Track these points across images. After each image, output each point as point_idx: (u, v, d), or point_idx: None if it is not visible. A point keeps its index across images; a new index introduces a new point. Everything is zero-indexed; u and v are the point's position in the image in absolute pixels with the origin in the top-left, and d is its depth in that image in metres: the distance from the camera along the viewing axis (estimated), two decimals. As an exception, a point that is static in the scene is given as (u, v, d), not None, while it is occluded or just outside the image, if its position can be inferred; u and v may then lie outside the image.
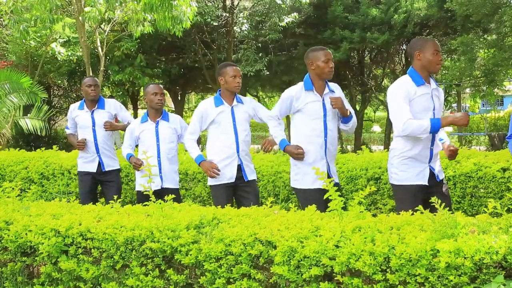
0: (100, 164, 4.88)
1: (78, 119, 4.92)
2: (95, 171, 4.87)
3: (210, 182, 4.11)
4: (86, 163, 4.91)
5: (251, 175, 4.14)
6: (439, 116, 3.44)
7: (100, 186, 5.04)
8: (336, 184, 3.70)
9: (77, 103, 5.03)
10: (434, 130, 3.32)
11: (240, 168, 4.08)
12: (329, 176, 3.74)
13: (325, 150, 3.77)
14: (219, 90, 4.17)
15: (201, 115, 4.12)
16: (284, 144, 3.82)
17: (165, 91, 4.32)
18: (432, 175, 3.45)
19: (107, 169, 4.87)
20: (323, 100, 3.74)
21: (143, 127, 4.51)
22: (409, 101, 3.37)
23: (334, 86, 3.89)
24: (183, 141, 4.33)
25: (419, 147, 3.40)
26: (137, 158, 4.48)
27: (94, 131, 4.85)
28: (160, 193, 4.09)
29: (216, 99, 4.12)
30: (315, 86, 3.75)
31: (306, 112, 3.74)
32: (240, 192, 4.13)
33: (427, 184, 3.41)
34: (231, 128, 4.05)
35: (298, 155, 3.72)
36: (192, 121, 4.16)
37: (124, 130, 4.79)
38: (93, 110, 4.86)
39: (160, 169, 4.43)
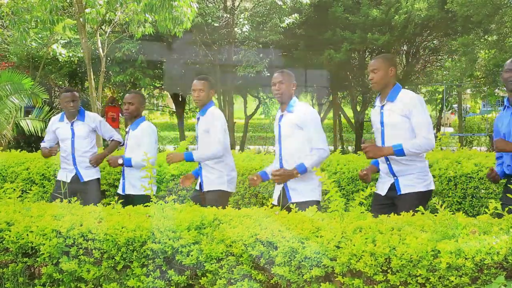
0: (77, 175, 4.89)
1: (58, 131, 4.96)
2: (69, 181, 4.85)
3: None
4: (63, 172, 4.93)
5: (207, 186, 4.13)
6: (386, 133, 3.47)
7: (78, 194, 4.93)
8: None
9: (58, 116, 5.06)
10: None
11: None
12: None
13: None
14: None
15: None
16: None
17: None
18: (394, 187, 3.51)
19: (85, 179, 4.89)
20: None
21: None
22: None
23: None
24: None
25: (381, 161, 3.60)
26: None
27: (72, 142, 4.87)
28: None
29: None
30: None
31: None
32: None
33: (381, 194, 3.59)
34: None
35: None
36: None
37: (108, 155, 4.81)
38: (73, 122, 4.88)
39: None
